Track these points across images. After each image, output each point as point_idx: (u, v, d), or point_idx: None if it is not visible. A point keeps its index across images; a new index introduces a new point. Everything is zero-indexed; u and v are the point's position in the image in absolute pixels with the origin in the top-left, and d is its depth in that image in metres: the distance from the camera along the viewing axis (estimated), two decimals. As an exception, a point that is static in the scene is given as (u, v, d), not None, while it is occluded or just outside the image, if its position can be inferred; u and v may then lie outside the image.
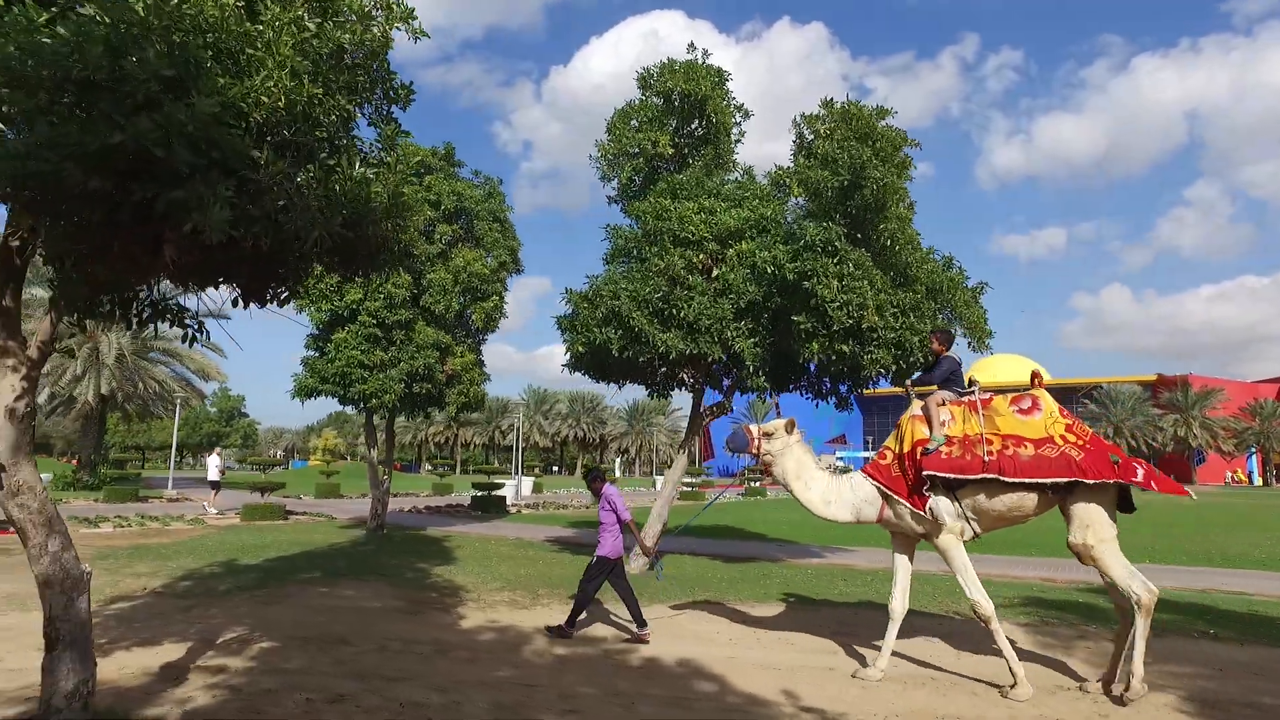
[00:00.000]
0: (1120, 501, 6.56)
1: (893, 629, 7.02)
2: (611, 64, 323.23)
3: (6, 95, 3.24)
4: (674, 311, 11.01)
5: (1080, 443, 6.42)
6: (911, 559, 7.26)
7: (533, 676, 6.86)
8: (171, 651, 7.39)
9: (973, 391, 7.06)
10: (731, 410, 13.39)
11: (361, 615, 9.22)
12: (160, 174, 3.39)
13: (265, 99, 3.60)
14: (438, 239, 17.03)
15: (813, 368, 12.02)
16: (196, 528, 19.54)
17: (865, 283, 10.31)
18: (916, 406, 7.13)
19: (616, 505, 8.41)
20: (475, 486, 28.73)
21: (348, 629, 8.41)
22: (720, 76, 13.30)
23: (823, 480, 7.43)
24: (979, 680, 6.87)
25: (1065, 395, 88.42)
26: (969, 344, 11.98)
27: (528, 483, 39.46)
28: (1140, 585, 6.24)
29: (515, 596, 10.77)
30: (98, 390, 33.61)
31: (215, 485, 25.02)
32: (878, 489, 7.08)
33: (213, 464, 25.69)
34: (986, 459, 6.49)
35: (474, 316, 17.39)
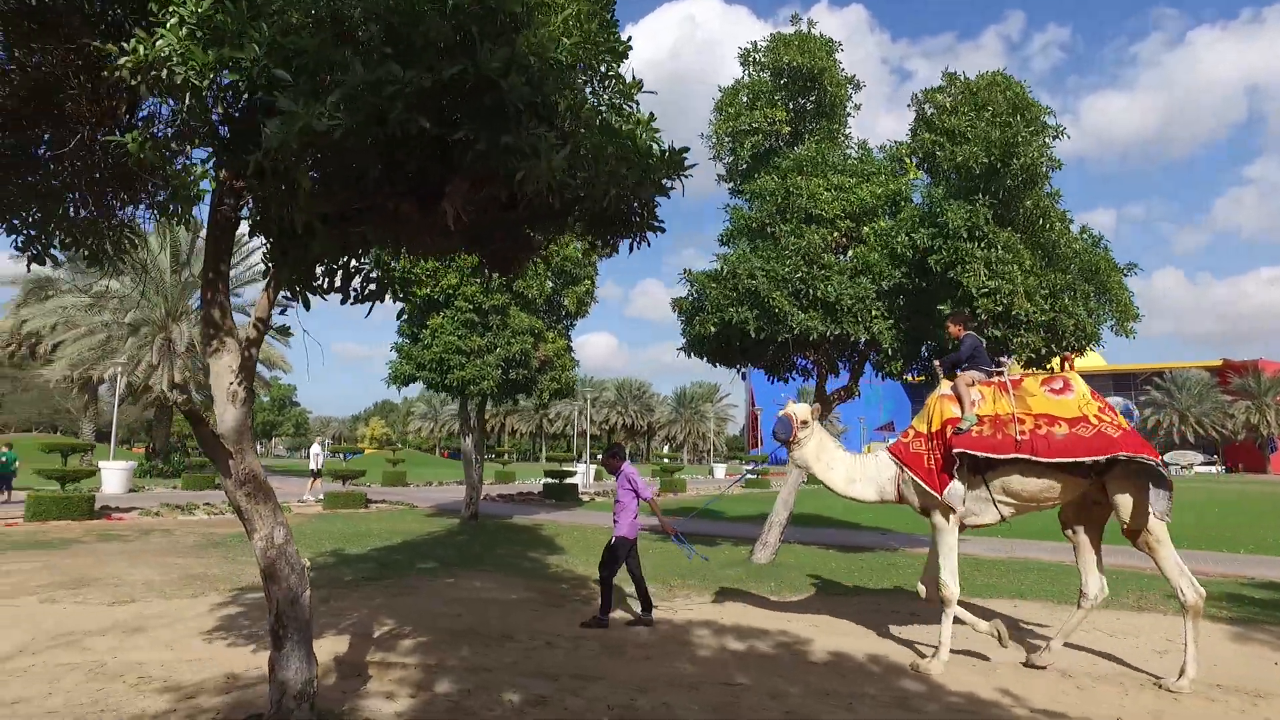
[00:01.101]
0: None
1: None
2: (649, 51, 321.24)
3: (311, 45, 2.90)
4: (812, 291, 10.54)
5: (1115, 423, 6.39)
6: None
7: (721, 673, 6.53)
8: (335, 645, 7.17)
9: (1001, 371, 7.00)
10: (859, 395, 12.89)
11: (503, 608, 8.94)
12: (481, 117, 3.03)
13: (566, 39, 3.22)
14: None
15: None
16: (287, 515, 19.54)
17: (1015, 266, 9.77)
18: (945, 386, 7.07)
19: (637, 484, 8.30)
20: (547, 474, 28.55)
21: (500, 623, 8.14)
22: (831, 47, 12.75)
23: (845, 460, 7.42)
24: (1213, 684, 6.36)
25: (1124, 382, 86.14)
26: (1112, 328, 11.30)
27: (590, 471, 39.31)
28: (1189, 585, 6.28)
29: (649, 588, 10.43)
30: (170, 379, 34.04)
31: (316, 473, 25.71)
32: (899, 467, 7.08)
33: (315, 453, 26.46)
34: (1019, 438, 6.40)
35: (566, 301, 17.07)
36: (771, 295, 10.50)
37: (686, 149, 3.78)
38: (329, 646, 7.12)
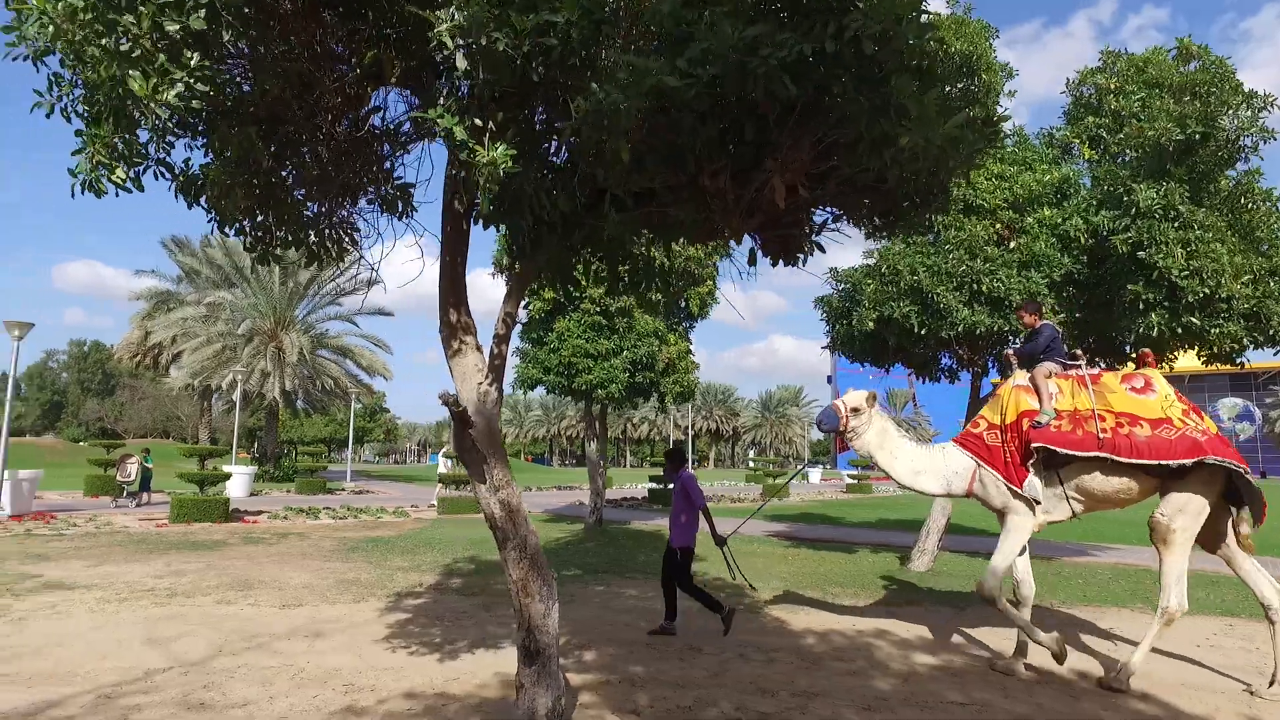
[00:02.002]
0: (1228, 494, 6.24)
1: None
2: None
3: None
4: (976, 285, 9.93)
5: (1200, 426, 6.16)
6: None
7: (930, 690, 6.05)
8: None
9: (1079, 365, 6.74)
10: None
11: (655, 616, 8.62)
12: (849, 80, 2.69)
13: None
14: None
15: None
16: (405, 520, 19.78)
17: (1219, 244, 8.95)
18: (1020, 376, 6.79)
19: (691, 491, 7.90)
20: (652, 479, 28.27)
21: (684, 633, 7.81)
22: (990, 32, 12.07)
23: (910, 449, 7.10)
24: None
25: (1243, 382, 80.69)
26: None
27: (690, 476, 38.88)
28: (1178, 596, 6.06)
29: (807, 595, 10.00)
30: (281, 387, 35.16)
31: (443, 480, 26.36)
32: (973, 460, 6.75)
33: (440, 460, 26.72)
34: (1101, 436, 6.17)
35: (689, 302, 16.73)
36: (935, 290, 9.94)
37: (1007, 117, 3.34)
38: (511, 658, 6.92)
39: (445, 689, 5.89)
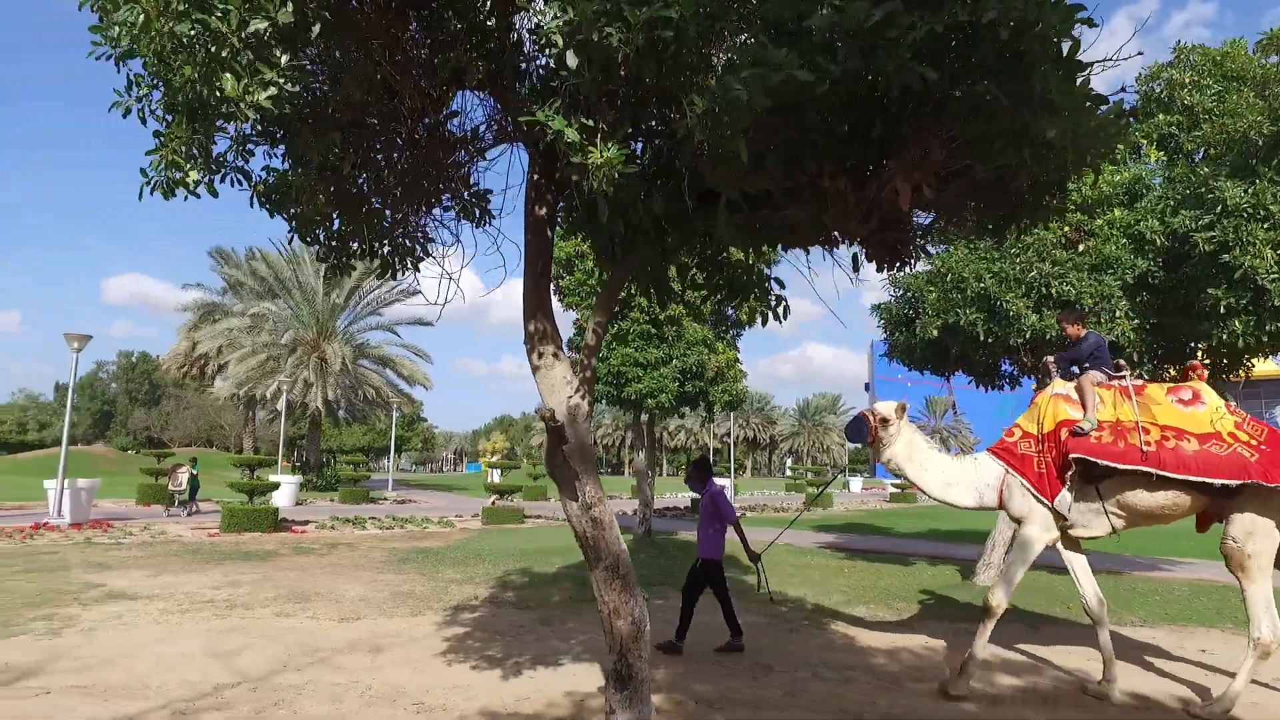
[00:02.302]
0: None
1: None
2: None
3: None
4: (1045, 290, 9.60)
5: (1254, 442, 5.84)
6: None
7: (1028, 716, 5.76)
8: (589, 672, 6.79)
9: (1123, 376, 6.45)
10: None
11: (718, 632, 8.41)
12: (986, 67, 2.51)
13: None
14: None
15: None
16: (451, 530, 19.78)
17: (1315, 248, 8.55)
18: (1058, 384, 6.55)
19: (721, 505, 7.59)
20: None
21: (750, 650, 7.60)
22: (1071, 13, 11.75)
23: (940, 461, 6.82)
24: None
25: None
26: None
27: (731, 485, 38.58)
28: (1269, 625, 5.76)
29: (872, 610, 9.77)
30: (324, 396, 35.54)
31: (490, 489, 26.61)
32: (1003, 468, 6.51)
33: (487, 467, 27.82)
34: (1145, 449, 5.90)
35: (738, 311, 16.50)
36: (1003, 296, 9.63)
37: (1137, 109, 3.10)
38: (583, 674, 6.77)
39: (517, 709, 5.74)
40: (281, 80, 2.89)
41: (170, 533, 17.06)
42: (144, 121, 3.63)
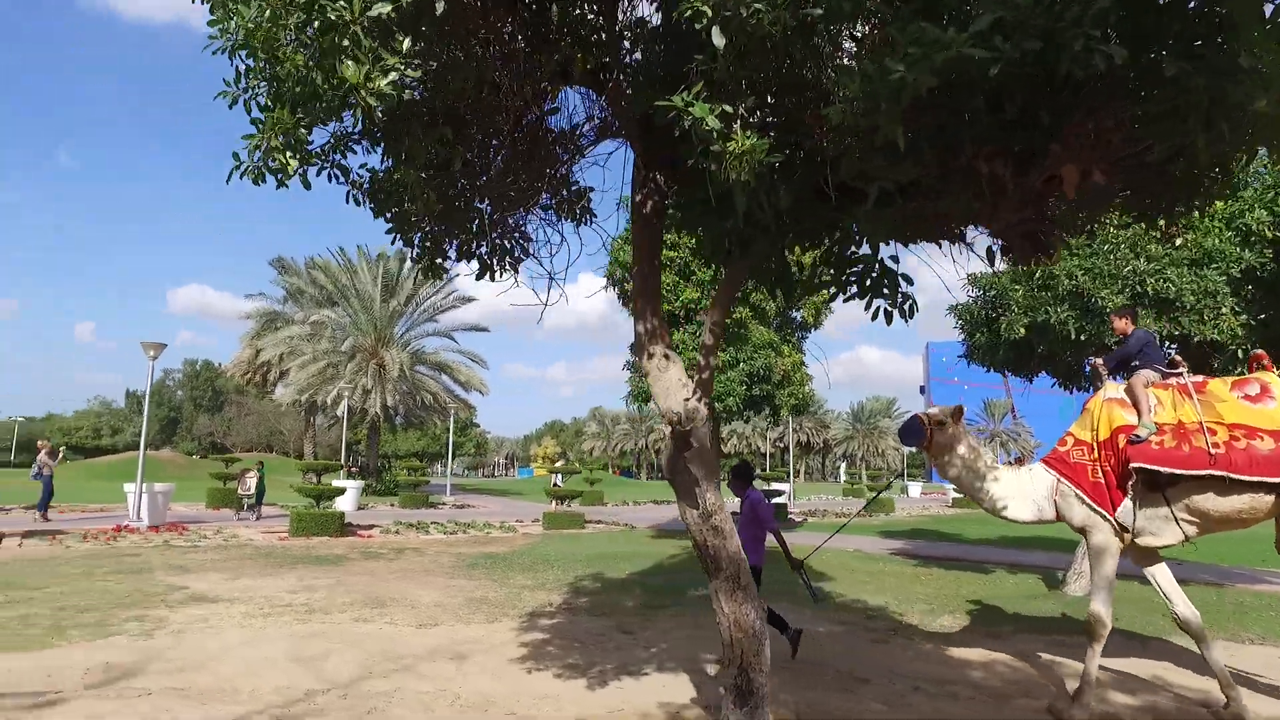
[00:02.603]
0: None
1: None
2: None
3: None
4: (1141, 286, 9.16)
5: None
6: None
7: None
8: (678, 683, 6.63)
9: (1180, 373, 6.08)
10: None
11: (825, 643, 8.17)
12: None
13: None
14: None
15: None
16: (514, 535, 19.79)
17: None
18: (1111, 388, 6.19)
19: (760, 513, 7.28)
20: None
21: (839, 660, 7.36)
22: None
23: (999, 474, 6.37)
24: None
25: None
26: None
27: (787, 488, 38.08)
28: None
29: (956, 620, 9.42)
30: (383, 402, 36.04)
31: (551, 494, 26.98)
32: (1055, 478, 6.16)
33: (543, 471, 27.90)
34: (1212, 452, 5.50)
35: (803, 313, 16.25)
36: (1097, 293, 9.21)
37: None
38: (672, 684, 6.60)
39: (610, 720, 5.60)
40: (402, 66, 2.79)
41: (242, 536, 17.37)
42: (249, 111, 3.58)
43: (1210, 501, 5.65)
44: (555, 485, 26.20)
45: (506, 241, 4.80)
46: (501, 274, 4.84)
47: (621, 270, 15.47)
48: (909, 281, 3.68)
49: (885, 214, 3.16)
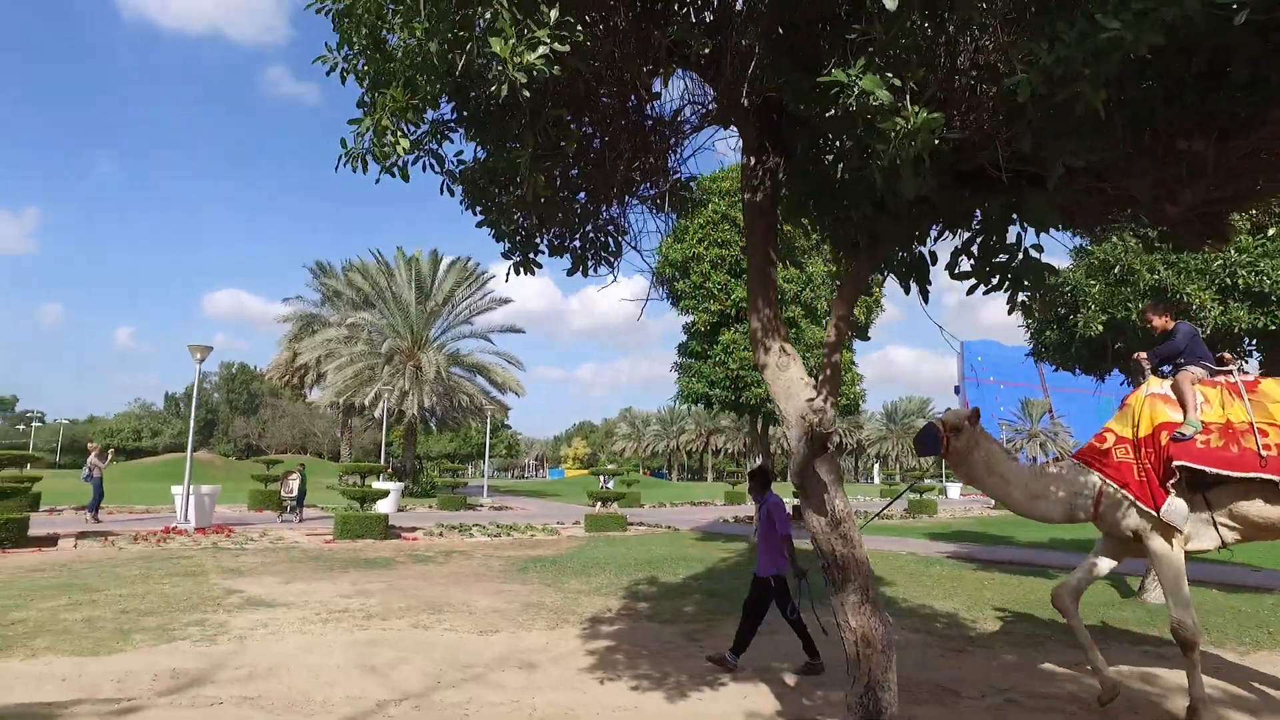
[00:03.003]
0: None
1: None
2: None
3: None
4: (1232, 279, 8.74)
5: None
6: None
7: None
8: (758, 696, 6.37)
9: (1229, 371, 5.77)
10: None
11: (908, 653, 7.86)
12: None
13: None
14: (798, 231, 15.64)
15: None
16: (557, 538, 19.62)
17: None
18: (1155, 383, 5.89)
19: (777, 518, 7.04)
20: (794, 494, 27.20)
21: (927, 672, 7.06)
22: None
23: (1022, 473, 6.07)
24: None
25: None
26: None
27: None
28: None
29: (1032, 628, 9.04)
30: (420, 404, 36.10)
31: (617, 495, 27.24)
32: (1098, 479, 5.77)
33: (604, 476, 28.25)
34: (1263, 454, 5.19)
35: (856, 312, 15.89)
36: (1182, 288, 8.79)
37: None
38: (754, 694, 6.36)
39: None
40: (549, 40, 2.57)
41: (287, 538, 17.37)
42: (343, 81, 3.40)
43: (1255, 508, 5.34)
44: (604, 488, 26.18)
45: (601, 235, 4.57)
46: (594, 269, 4.61)
47: (671, 269, 15.26)
48: (1054, 272, 3.39)
49: (1057, 197, 2.87)
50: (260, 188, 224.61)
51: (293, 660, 7.12)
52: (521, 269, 4.74)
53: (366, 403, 36.01)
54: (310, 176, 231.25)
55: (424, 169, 3.80)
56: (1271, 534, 5.53)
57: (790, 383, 3.65)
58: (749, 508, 35.29)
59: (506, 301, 40.94)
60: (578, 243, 4.46)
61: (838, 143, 3.03)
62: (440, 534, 19.37)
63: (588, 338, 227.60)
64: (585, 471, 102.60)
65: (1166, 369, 6.25)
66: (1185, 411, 5.57)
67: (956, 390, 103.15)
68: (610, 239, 4.51)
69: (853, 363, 16.75)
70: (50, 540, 15.36)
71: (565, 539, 19.20)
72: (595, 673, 7.01)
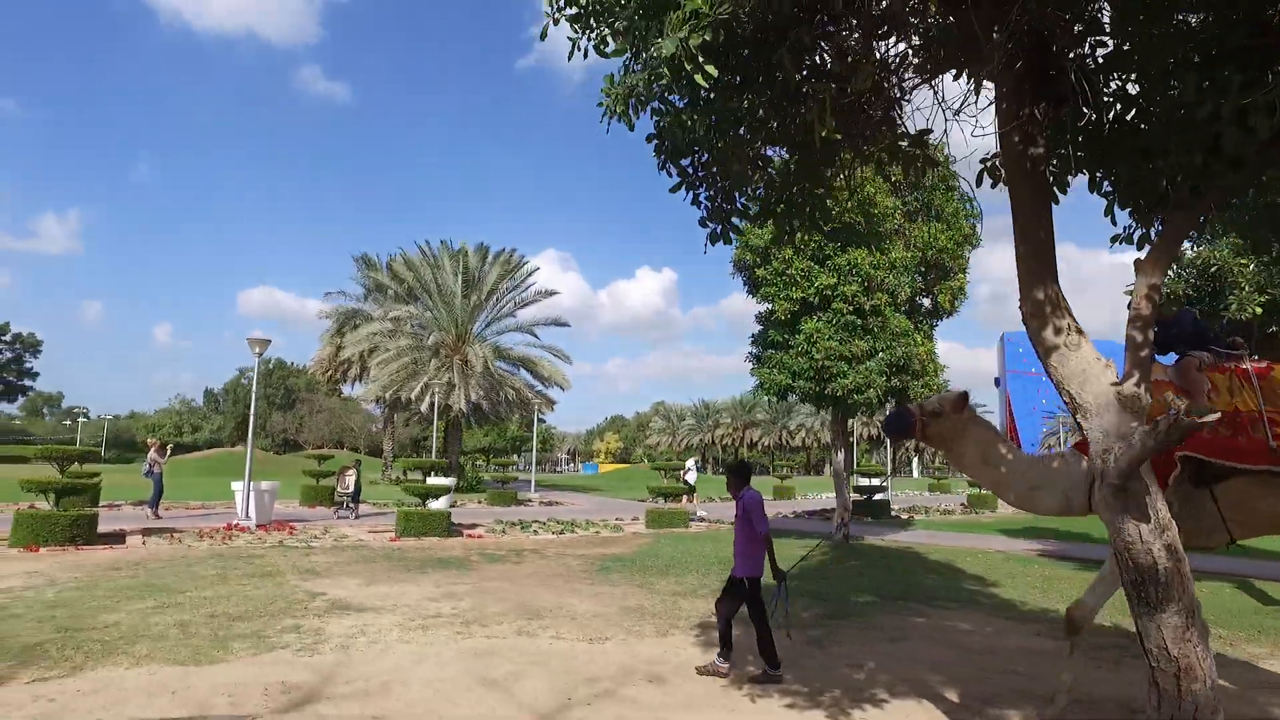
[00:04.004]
0: None
1: None
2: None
3: None
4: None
5: None
6: None
7: None
8: (920, 716, 5.76)
9: (1240, 355, 5.45)
10: None
11: (1031, 659, 7.26)
12: None
13: None
14: (892, 211, 14.95)
15: None
16: (623, 535, 19.12)
17: None
18: (1158, 370, 5.30)
19: (753, 514, 6.76)
20: (857, 490, 26.52)
21: (1094, 687, 6.40)
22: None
23: (1020, 460, 5.61)
24: None
25: None
26: None
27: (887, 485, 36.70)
28: None
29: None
30: (467, 398, 35.77)
31: (692, 489, 27.00)
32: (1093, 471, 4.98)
33: (691, 469, 27.67)
34: (1273, 444, 4.83)
35: (939, 298, 15.14)
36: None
37: None
38: (916, 713, 5.76)
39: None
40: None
41: (351, 536, 17.01)
42: (556, 23, 2.86)
43: (1265, 502, 4.98)
44: (685, 482, 25.97)
45: (803, 197, 3.97)
46: (799, 235, 4.01)
47: (752, 255, 14.57)
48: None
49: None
50: (293, 185, 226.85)
51: (405, 673, 6.62)
52: (719, 238, 4.16)
53: (413, 396, 35.72)
54: (340, 174, 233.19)
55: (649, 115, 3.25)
56: (1276, 529, 5.21)
57: (1085, 364, 3.06)
58: (801, 502, 34.62)
59: (551, 294, 40.57)
60: (780, 206, 3.87)
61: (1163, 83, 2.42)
62: (503, 531, 18.94)
63: (617, 333, 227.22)
64: (622, 465, 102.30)
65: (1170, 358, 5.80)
66: (1193, 399, 5.14)
67: (997, 382, 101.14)
68: (813, 202, 3.91)
69: (934, 352, 15.98)
70: (118, 537, 15.13)
71: (631, 536, 18.69)
72: (736, 687, 6.46)
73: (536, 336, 40.69)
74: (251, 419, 18.96)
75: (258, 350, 18.45)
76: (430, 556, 13.96)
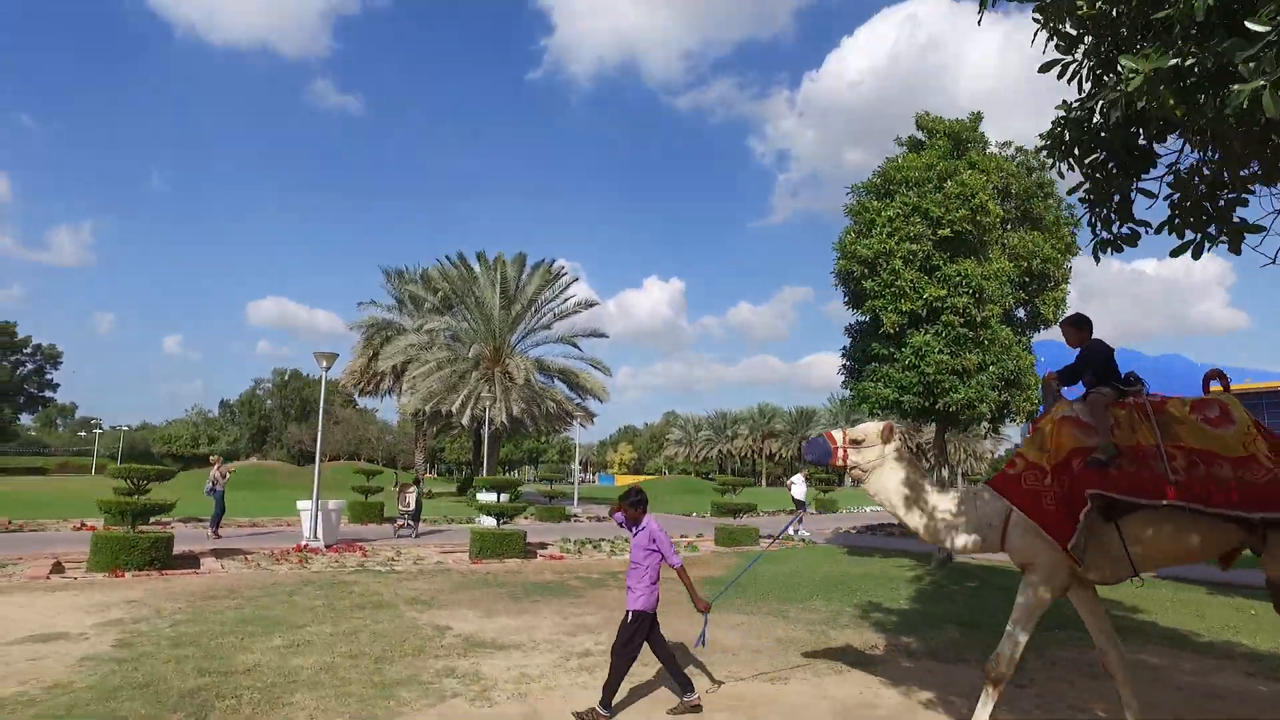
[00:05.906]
0: None
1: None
2: (866, 61, 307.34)
3: None
4: None
5: None
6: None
7: None
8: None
9: (1137, 390, 5.49)
10: None
11: (1255, 704, 6.66)
12: None
13: None
14: (993, 220, 14.37)
15: None
16: (698, 553, 18.51)
17: None
18: (1064, 407, 5.57)
19: (663, 545, 6.44)
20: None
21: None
22: None
23: (936, 500, 5.90)
24: None
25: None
26: None
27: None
28: None
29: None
30: (508, 411, 35.20)
31: (802, 505, 24.98)
32: (1006, 507, 5.51)
33: (799, 483, 24.95)
34: (1172, 479, 4.89)
35: (1042, 308, 14.56)
36: None
37: None
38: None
39: None
40: None
41: (427, 559, 16.40)
42: None
43: (1164, 534, 5.06)
44: (794, 499, 24.69)
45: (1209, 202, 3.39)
46: (1208, 250, 3.43)
47: (859, 266, 13.92)
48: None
49: None
50: (304, 198, 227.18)
51: (610, 727, 6.05)
52: (1108, 247, 3.59)
53: (454, 409, 35.15)
54: (351, 187, 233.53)
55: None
56: (1179, 560, 5.27)
57: None
58: (846, 518, 33.91)
59: (591, 304, 39.98)
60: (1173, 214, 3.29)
61: None
62: (579, 552, 18.36)
63: (625, 342, 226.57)
64: (637, 476, 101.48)
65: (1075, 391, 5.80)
66: (1100, 435, 5.21)
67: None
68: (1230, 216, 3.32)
69: (1033, 364, 15.36)
70: (193, 559, 14.59)
71: (712, 555, 18.11)
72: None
73: (579, 348, 40.18)
74: (320, 434, 18.41)
75: (325, 364, 17.92)
76: (526, 581, 13.37)
